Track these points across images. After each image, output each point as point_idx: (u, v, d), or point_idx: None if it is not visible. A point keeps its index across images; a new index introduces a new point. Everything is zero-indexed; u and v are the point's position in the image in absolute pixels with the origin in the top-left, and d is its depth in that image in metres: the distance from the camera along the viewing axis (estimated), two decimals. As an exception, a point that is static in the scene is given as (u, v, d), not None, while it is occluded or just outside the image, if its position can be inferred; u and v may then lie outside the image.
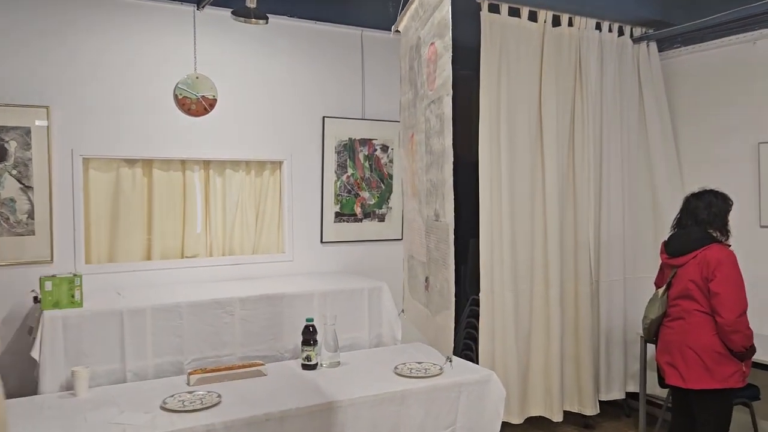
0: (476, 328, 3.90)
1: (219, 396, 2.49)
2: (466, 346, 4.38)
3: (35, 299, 2.78)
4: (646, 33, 4.17)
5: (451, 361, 1.46)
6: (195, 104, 3.49)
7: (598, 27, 4.01)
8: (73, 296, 2.78)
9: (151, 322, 2.88)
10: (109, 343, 2.80)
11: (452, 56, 4.26)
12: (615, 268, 4.09)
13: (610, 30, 4.06)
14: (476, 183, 3.65)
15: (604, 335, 4.08)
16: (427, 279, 1.67)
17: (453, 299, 1.41)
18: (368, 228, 4.08)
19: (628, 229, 4.14)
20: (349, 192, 4.00)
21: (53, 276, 2.78)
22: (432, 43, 1.53)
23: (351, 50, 4.02)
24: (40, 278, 2.75)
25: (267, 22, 3.19)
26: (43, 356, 2.66)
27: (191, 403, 2.43)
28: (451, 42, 1.40)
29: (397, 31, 2.11)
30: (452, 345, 1.40)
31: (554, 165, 3.82)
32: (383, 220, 4.13)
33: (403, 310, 2.48)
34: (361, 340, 3.41)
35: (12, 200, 3.04)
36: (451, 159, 1.42)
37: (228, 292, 3.16)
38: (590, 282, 3.99)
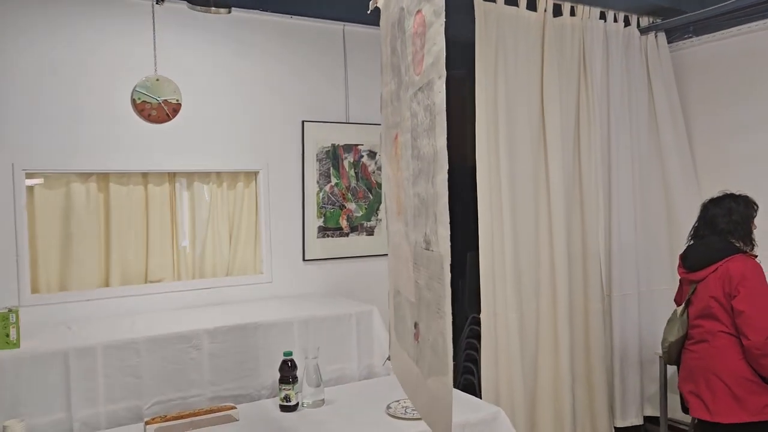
0: (477, 350, 3.53)
1: (178, 452, 2.11)
2: (466, 369, 4.00)
3: (-37, 340, 2.38)
4: (654, 22, 3.83)
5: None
6: (156, 110, 3.10)
7: (603, 16, 3.67)
8: (7, 335, 2.38)
9: (103, 361, 2.48)
10: (52, 389, 2.39)
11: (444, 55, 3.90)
12: (628, 281, 3.74)
13: (615, 20, 3.72)
14: (474, 191, 3.30)
15: (618, 355, 3.73)
16: (416, 325, 1.28)
17: (451, 361, 1.03)
18: (356, 243, 3.70)
19: (640, 238, 3.79)
20: (333, 204, 3.62)
21: (-16, 312, 2.39)
22: (419, 11, 1.16)
23: (332, 47, 3.65)
24: (-32, 316, 2.35)
25: (230, 12, 2.82)
26: (-29, 409, 2.26)
27: (143, 463, 2.04)
28: (443, 5, 1.03)
29: (376, 8, 1.75)
30: (450, 423, 1.02)
31: (559, 169, 3.47)
32: (372, 234, 3.75)
33: (389, 358, 2.10)
34: (350, 371, 3.03)
35: (-59, 224, 2.65)
36: (446, 166, 1.04)
37: (194, 323, 2.76)
38: (601, 297, 3.65)
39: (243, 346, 2.78)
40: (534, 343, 3.46)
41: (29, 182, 2.94)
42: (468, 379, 3.97)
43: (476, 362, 3.82)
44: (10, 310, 2.41)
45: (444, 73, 1.03)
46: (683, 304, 2.81)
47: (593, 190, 3.61)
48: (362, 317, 3.10)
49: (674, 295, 3.58)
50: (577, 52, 3.58)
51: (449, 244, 1.03)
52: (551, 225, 3.50)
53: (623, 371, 3.74)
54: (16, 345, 2.40)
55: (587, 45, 3.59)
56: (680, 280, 2.93)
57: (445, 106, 1.03)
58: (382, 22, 1.66)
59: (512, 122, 3.38)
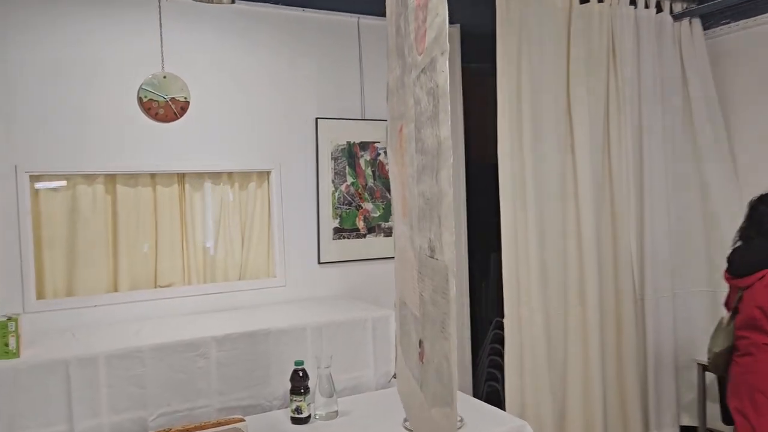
0: (501, 355, 3.36)
1: (181, 468, 1.99)
2: (491, 376, 3.83)
3: (-39, 350, 2.28)
4: (688, 8, 3.60)
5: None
6: (163, 108, 2.99)
7: (633, 2, 3.46)
8: (6, 344, 2.29)
9: (106, 371, 2.38)
10: (52, 400, 2.29)
11: (464, 49, 3.68)
12: (662, 283, 3.52)
13: (646, 6, 3.51)
14: (496, 189, 3.13)
15: (652, 360, 3.51)
16: (421, 343, 1.13)
17: (456, 391, 0.87)
18: (373, 244, 3.55)
19: (675, 237, 3.58)
20: (349, 204, 3.47)
21: (-18, 321, 2.30)
22: (420, -21, 1.00)
23: (346, 41, 3.50)
24: (-34, 324, 2.26)
25: (233, 2, 2.69)
26: (-32, 422, 2.17)
27: (143, 481, 1.93)
28: (445, -32, 0.87)
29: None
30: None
31: (587, 165, 3.28)
32: (390, 235, 3.59)
33: (394, 376, 1.95)
34: (366, 380, 2.88)
35: (-57, 228, 2.57)
36: (450, 159, 0.88)
37: (202, 330, 2.64)
38: (634, 299, 3.44)
39: (253, 354, 2.66)
40: (562, 349, 3.27)
41: (51, 185, 2.87)
42: (492, 386, 3.79)
43: (500, 368, 3.65)
44: (9, 319, 2.31)
45: (447, 48, 0.87)
46: (730, 313, 2.60)
47: (624, 186, 3.41)
48: (379, 322, 2.95)
49: (714, 297, 3.37)
50: (606, 41, 3.38)
51: (454, 252, 0.88)
52: (579, 223, 3.31)
53: (658, 378, 3.52)
54: (16, 354, 2.30)
55: (617, 33, 3.39)
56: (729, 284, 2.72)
57: (448, 88, 0.88)
58: (387, 1, 1.51)
59: (537, 117, 3.20)
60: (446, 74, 0.88)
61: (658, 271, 3.50)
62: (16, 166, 2.74)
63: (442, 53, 0.88)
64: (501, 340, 3.30)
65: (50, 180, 2.87)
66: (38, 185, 2.85)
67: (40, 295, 2.83)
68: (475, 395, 3.82)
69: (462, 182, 3.82)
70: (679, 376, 3.58)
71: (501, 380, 3.64)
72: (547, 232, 3.23)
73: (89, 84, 2.88)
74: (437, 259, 0.94)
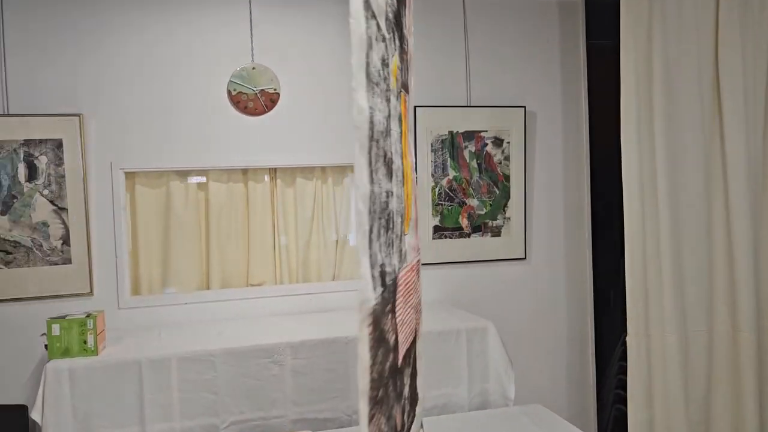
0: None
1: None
2: (618, 397, 3.30)
3: (46, 346, 2.33)
4: None
5: None
6: (253, 101, 2.89)
7: (809, -54, 2.75)
8: (84, 342, 2.29)
9: (178, 374, 2.31)
10: (125, 401, 2.27)
11: (589, 25, 3.21)
12: None
13: (829, -51, 2.77)
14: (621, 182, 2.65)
15: (831, 397, 2.80)
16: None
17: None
18: (478, 245, 3.20)
19: None
20: (451, 200, 3.16)
21: (63, 317, 2.32)
22: None
23: (450, 19, 3.17)
24: (47, 320, 2.30)
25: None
26: (47, 419, 2.20)
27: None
28: None
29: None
30: None
31: (742, 152, 2.68)
32: (499, 234, 3.22)
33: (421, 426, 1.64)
34: (458, 399, 2.57)
35: (44, 224, 2.66)
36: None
37: (278, 336, 2.50)
38: (805, 320, 2.76)
39: (331, 363, 2.46)
40: (704, 377, 2.71)
41: (196, 180, 2.91)
42: (620, 410, 3.27)
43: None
44: (88, 316, 2.32)
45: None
46: None
47: (793, 178, 2.74)
48: (474, 334, 2.62)
49: None
50: (770, -2, 2.73)
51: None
52: (729, 224, 2.71)
53: (839, 420, 2.81)
54: (94, 352, 2.31)
55: (785, -13, 2.72)
56: None
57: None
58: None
59: (673, 95, 2.67)
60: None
61: (840, 285, 2.78)
62: (111, 163, 2.78)
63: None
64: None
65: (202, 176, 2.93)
66: (190, 180, 2.91)
67: (135, 291, 2.87)
68: (600, 420, 3.34)
69: (586, 175, 3.33)
70: None
71: (630, 405, 3.12)
72: (685, 235, 2.68)
73: (180, 79, 2.85)
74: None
